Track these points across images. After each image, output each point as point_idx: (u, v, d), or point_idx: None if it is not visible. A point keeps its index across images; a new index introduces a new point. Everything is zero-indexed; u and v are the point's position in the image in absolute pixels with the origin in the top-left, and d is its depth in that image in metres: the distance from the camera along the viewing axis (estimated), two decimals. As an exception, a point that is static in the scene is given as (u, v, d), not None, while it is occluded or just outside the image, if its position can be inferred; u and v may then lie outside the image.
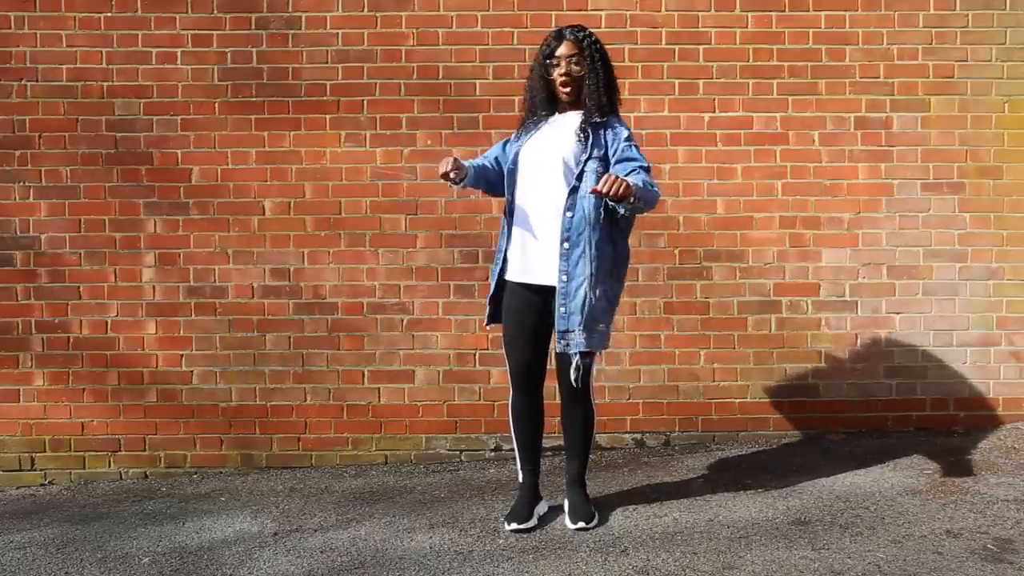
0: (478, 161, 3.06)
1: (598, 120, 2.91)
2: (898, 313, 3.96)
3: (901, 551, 2.70)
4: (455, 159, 2.89)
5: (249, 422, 3.94)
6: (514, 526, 2.98)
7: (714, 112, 3.93)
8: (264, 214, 3.92)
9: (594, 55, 2.91)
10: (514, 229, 2.99)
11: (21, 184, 3.88)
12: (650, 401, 3.96)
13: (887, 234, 3.94)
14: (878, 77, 3.92)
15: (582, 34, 2.93)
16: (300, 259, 3.93)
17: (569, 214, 2.86)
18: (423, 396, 3.95)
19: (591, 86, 2.91)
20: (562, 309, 2.88)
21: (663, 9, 3.91)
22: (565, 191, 2.88)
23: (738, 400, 3.97)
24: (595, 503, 3.11)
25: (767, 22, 3.91)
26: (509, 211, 3.01)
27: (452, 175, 2.86)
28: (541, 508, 3.09)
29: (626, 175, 2.76)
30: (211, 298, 3.92)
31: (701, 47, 3.92)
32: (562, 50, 2.90)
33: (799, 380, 3.97)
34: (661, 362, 3.96)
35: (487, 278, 3.87)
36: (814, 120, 3.92)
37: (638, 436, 3.98)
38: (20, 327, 3.90)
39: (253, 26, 3.88)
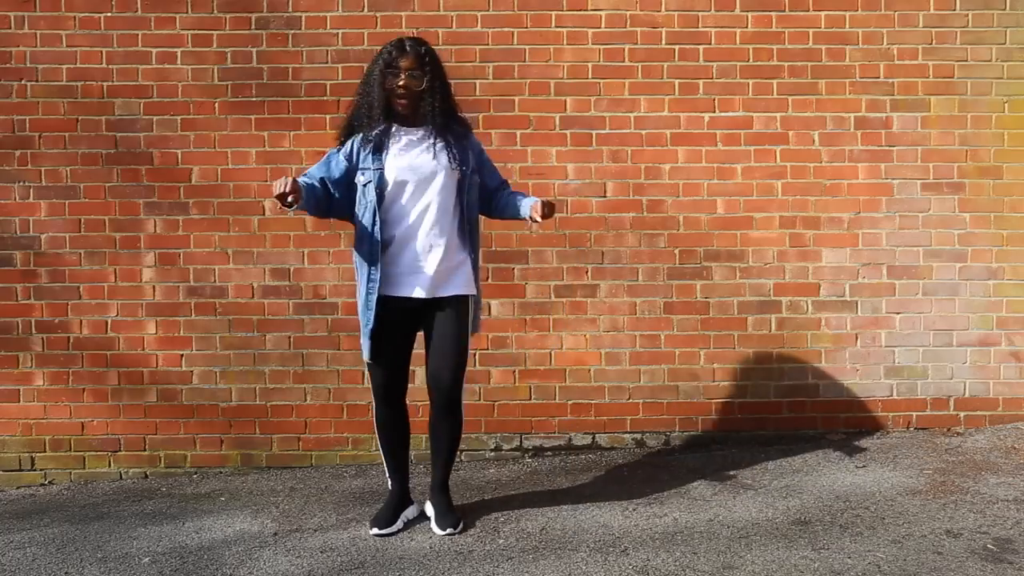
0: (303, 179, 2.90)
1: (462, 132, 3.02)
2: (898, 313, 3.96)
3: (901, 551, 2.71)
4: (294, 179, 2.74)
5: (249, 422, 3.94)
6: (375, 531, 3.03)
7: (714, 112, 3.93)
8: (264, 214, 3.92)
9: (434, 70, 2.92)
10: (389, 248, 2.94)
11: (21, 184, 3.88)
12: (650, 401, 3.96)
13: (887, 234, 3.94)
14: (878, 77, 3.92)
15: (423, 49, 2.92)
16: (300, 259, 3.93)
17: (468, 224, 3.03)
18: (423, 396, 3.93)
19: (431, 102, 2.91)
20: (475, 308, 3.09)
21: (663, 9, 3.91)
22: (451, 204, 2.96)
23: (738, 400, 3.97)
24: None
25: (767, 22, 3.91)
26: (377, 231, 2.92)
27: (290, 198, 2.70)
28: (410, 512, 3.16)
29: (514, 196, 3.08)
30: (211, 298, 3.92)
31: (701, 47, 3.92)
32: (403, 62, 2.88)
33: (799, 380, 3.97)
34: (661, 362, 3.95)
35: (487, 278, 3.90)
36: (814, 120, 3.93)
37: (638, 436, 3.98)
38: (20, 327, 3.90)
39: (253, 26, 3.88)
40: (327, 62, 3.89)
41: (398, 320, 2.99)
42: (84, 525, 3.31)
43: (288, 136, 3.90)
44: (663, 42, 3.91)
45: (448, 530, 3.01)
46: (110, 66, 3.87)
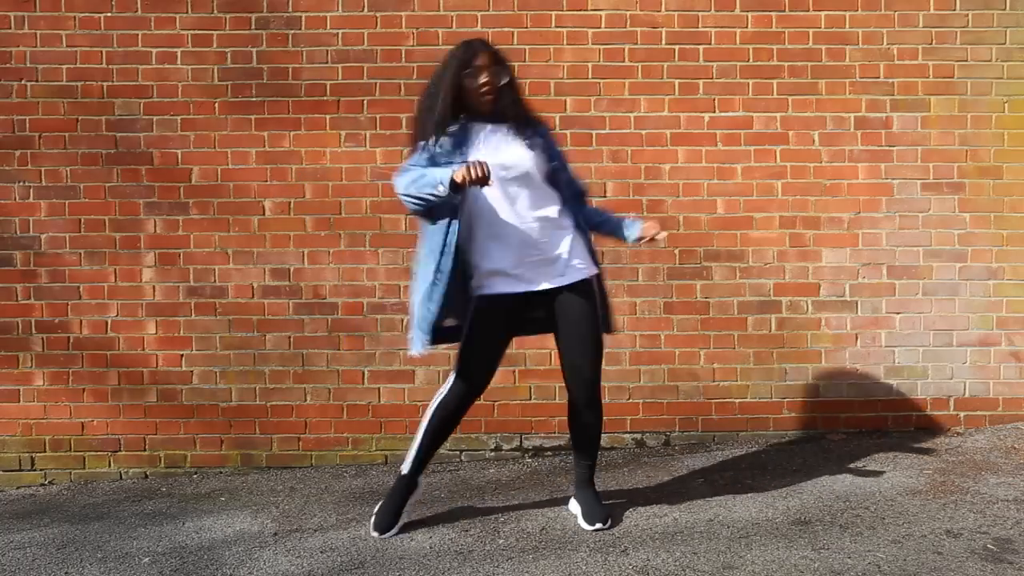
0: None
1: (542, 128, 2.99)
2: (898, 313, 3.96)
3: (901, 551, 2.71)
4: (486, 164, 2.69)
5: (249, 422, 3.94)
6: (376, 535, 3.00)
7: (714, 112, 3.93)
8: (264, 214, 3.92)
9: (506, 62, 2.91)
10: (486, 243, 2.90)
11: (21, 184, 3.88)
12: (650, 401, 3.96)
13: (887, 234, 3.95)
14: (878, 77, 3.92)
15: (493, 47, 2.91)
16: (300, 259, 3.93)
17: (562, 206, 2.96)
18: (423, 396, 3.94)
19: (510, 96, 2.89)
20: (602, 293, 3.03)
21: (663, 9, 3.91)
22: (547, 199, 2.91)
23: (738, 400, 3.97)
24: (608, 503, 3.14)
25: (767, 22, 3.91)
26: (466, 228, 2.88)
27: (490, 183, 2.69)
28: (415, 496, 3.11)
29: (608, 214, 3.14)
30: (211, 298, 3.92)
31: (701, 47, 3.92)
32: (481, 60, 2.85)
33: (799, 380, 3.97)
34: (661, 362, 3.96)
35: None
36: (814, 120, 3.93)
37: (638, 436, 3.98)
38: (20, 327, 3.90)
39: (253, 26, 3.88)
40: (327, 62, 3.89)
41: (495, 319, 2.94)
42: (84, 525, 3.31)
43: (288, 136, 3.91)
44: (663, 42, 3.91)
45: (597, 525, 2.95)
46: (110, 66, 3.87)
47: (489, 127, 2.92)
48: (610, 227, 3.07)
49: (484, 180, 2.67)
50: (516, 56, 3.86)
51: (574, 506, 3.10)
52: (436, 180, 2.70)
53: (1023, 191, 3.94)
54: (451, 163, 2.78)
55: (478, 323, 2.94)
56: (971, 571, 2.56)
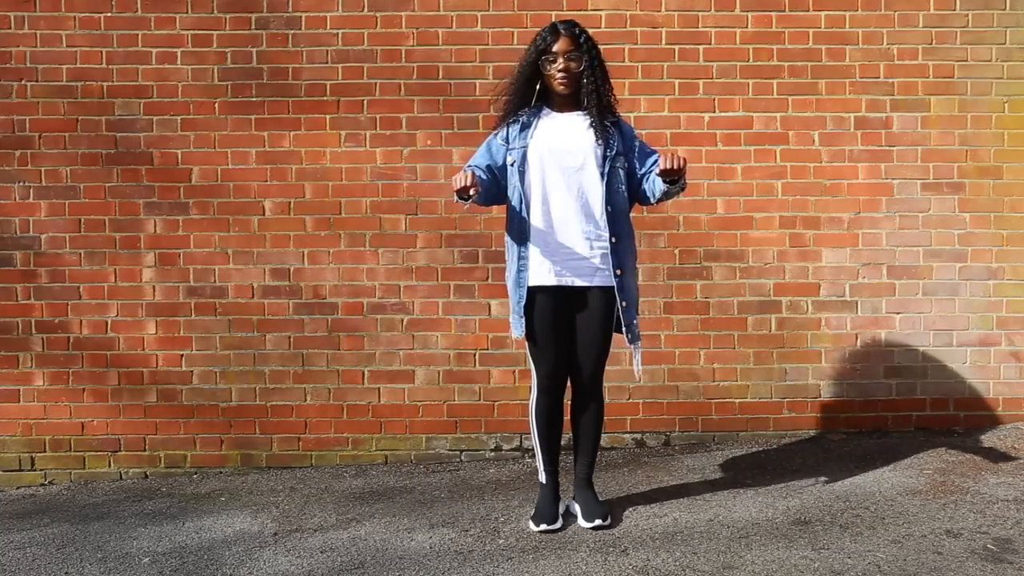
0: (475, 170, 2.92)
1: (613, 118, 2.96)
2: (898, 313, 3.96)
3: (901, 551, 2.70)
4: (474, 172, 2.80)
5: (249, 422, 3.94)
6: (543, 527, 2.97)
7: (714, 112, 3.93)
8: (264, 214, 3.92)
9: (591, 51, 2.91)
10: (537, 231, 2.93)
11: (21, 184, 3.88)
12: (650, 401, 3.96)
13: (887, 234, 3.94)
14: (878, 77, 3.92)
15: (578, 30, 2.92)
16: (300, 259, 3.93)
17: (610, 208, 2.91)
18: (423, 396, 3.95)
19: (591, 84, 2.89)
20: (624, 304, 2.96)
21: (663, 9, 3.91)
22: (597, 188, 2.90)
23: (738, 400, 3.97)
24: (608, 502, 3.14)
25: (767, 22, 3.91)
26: (524, 213, 2.93)
27: (471, 191, 2.75)
28: (561, 507, 3.09)
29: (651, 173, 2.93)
30: (211, 298, 3.92)
31: (701, 47, 3.92)
32: (559, 46, 2.88)
33: (799, 380, 3.97)
34: (661, 362, 3.96)
35: (487, 278, 3.90)
36: (814, 120, 3.92)
37: (638, 436, 3.98)
38: (20, 327, 3.90)
39: (253, 26, 3.88)
40: (327, 62, 3.89)
41: (552, 307, 2.94)
42: (84, 525, 3.31)
43: (288, 136, 3.90)
44: (663, 42, 3.91)
45: (597, 521, 2.96)
46: (110, 66, 3.87)
47: (559, 114, 2.96)
48: (651, 185, 2.97)
49: (465, 191, 2.73)
50: (516, 56, 3.82)
51: (573, 506, 3.10)
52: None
53: (1023, 191, 3.94)
54: (513, 149, 2.92)
55: (530, 314, 2.96)
56: (971, 571, 2.55)
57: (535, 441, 3.07)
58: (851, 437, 3.91)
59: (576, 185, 2.90)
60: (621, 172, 2.95)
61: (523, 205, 2.94)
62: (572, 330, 2.99)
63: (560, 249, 2.92)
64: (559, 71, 2.88)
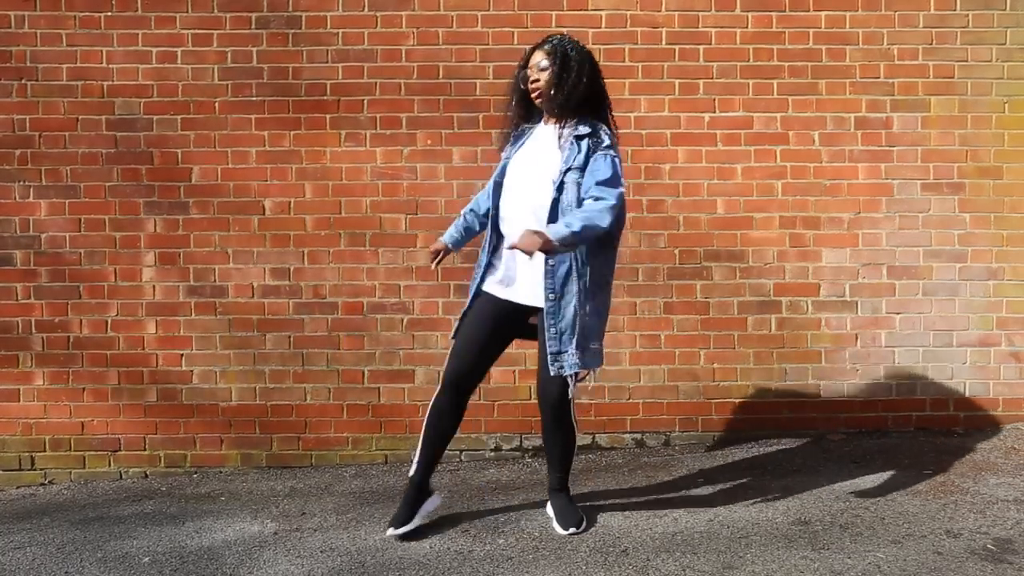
0: (460, 220, 3.14)
1: (585, 130, 2.81)
2: (898, 313, 3.96)
3: (901, 551, 2.71)
4: (433, 246, 3.09)
5: (249, 422, 3.94)
6: (390, 531, 2.95)
7: (714, 112, 3.93)
8: (264, 214, 3.92)
9: (566, 60, 2.80)
10: (497, 242, 2.97)
11: (21, 184, 3.88)
12: (650, 401, 3.96)
13: (887, 234, 3.95)
14: (878, 77, 3.92)
15: (556, 41, 2.85)
16: (300, 259, 3.93)
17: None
18: (423, 396, 3.95)
19: (560, 95, 2.80)
20: (552, 330, 2.82)
21: (663, 9, 3.91)
22: (546, 204, 2.79)
23: (738, 400, 3.97)
24: (584, 507, 3.12)
25: (767, 22, 3.91)
26: (493, 224, 2.96)
27: (438, 256, 3.06)
28: (430, 504, 3.05)
29: (566, 219, 2.68)
30: (211, 298, 3.92)
31: (701, 47, 3.92)
32: (533, 59, 2.87)
33: (799, 380, 3.97)
34: (661, 362, 3.96)
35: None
36: (814, 120, 3.93)
37: (638, 436, 3.98)
38: (20, 327, 3.90)
39: (253, 26, 3.88)
40: (327, 62, 3.89)
41: (490, 315, 2.92)
42: (84, 525, 3.31)
43: (288, 136, 3.90)
44: (663, 42, 3.91)
45: (571, 529, 2.94)
46: (110, 66, 3.87)
47: (537, 127, 2.96)
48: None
49: (435, 256, 3.08)
50: (516, 56, 3.81)
51: (549, 510, 3.10)
52: None
53: (1023, 191, 3.94)
54: (504, 156, 2.99)
55: (471, 311, 2.97)
56: (971, 571, 2.56)
57: (421, 433, 2.99)
58: (851, 437, 3.91)
59: (531, 199, 2.85)
60: (575, 188, 2.78)
61: (494, 218, 2.95)
62: (504, 346, 3.03)
63: (510, 262, 2.91)
64: (530, 83, 2.87)
